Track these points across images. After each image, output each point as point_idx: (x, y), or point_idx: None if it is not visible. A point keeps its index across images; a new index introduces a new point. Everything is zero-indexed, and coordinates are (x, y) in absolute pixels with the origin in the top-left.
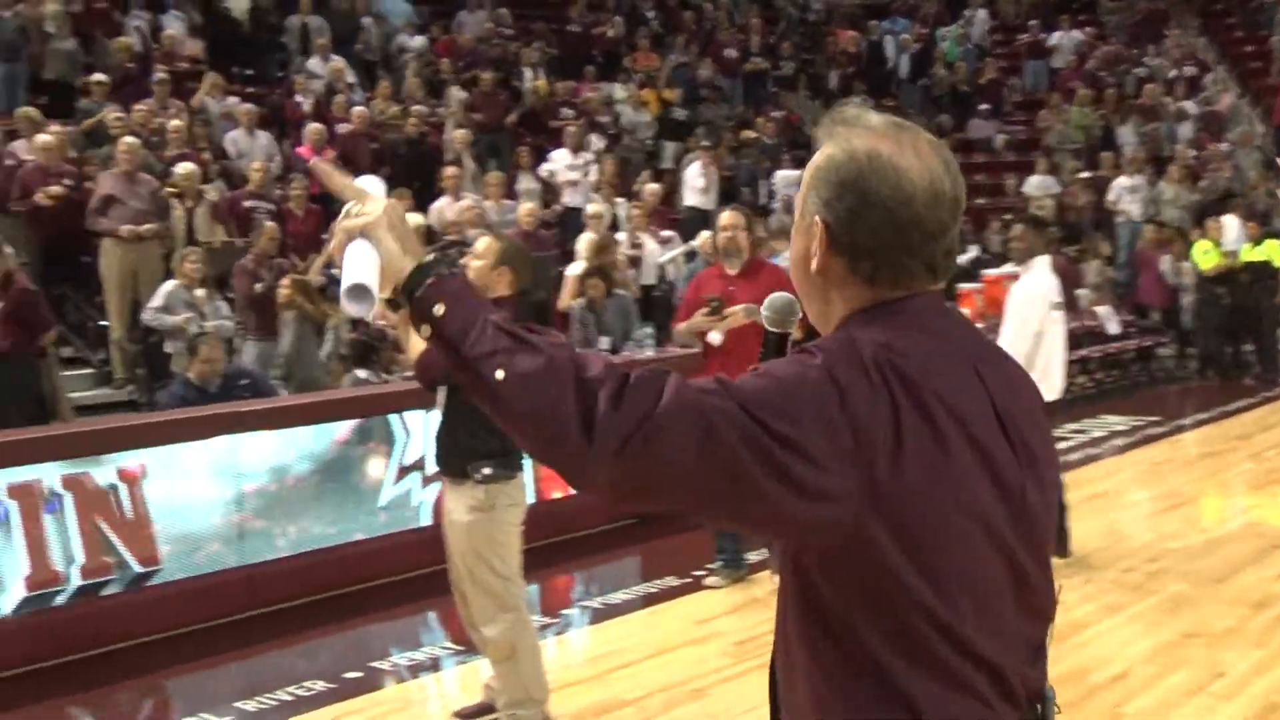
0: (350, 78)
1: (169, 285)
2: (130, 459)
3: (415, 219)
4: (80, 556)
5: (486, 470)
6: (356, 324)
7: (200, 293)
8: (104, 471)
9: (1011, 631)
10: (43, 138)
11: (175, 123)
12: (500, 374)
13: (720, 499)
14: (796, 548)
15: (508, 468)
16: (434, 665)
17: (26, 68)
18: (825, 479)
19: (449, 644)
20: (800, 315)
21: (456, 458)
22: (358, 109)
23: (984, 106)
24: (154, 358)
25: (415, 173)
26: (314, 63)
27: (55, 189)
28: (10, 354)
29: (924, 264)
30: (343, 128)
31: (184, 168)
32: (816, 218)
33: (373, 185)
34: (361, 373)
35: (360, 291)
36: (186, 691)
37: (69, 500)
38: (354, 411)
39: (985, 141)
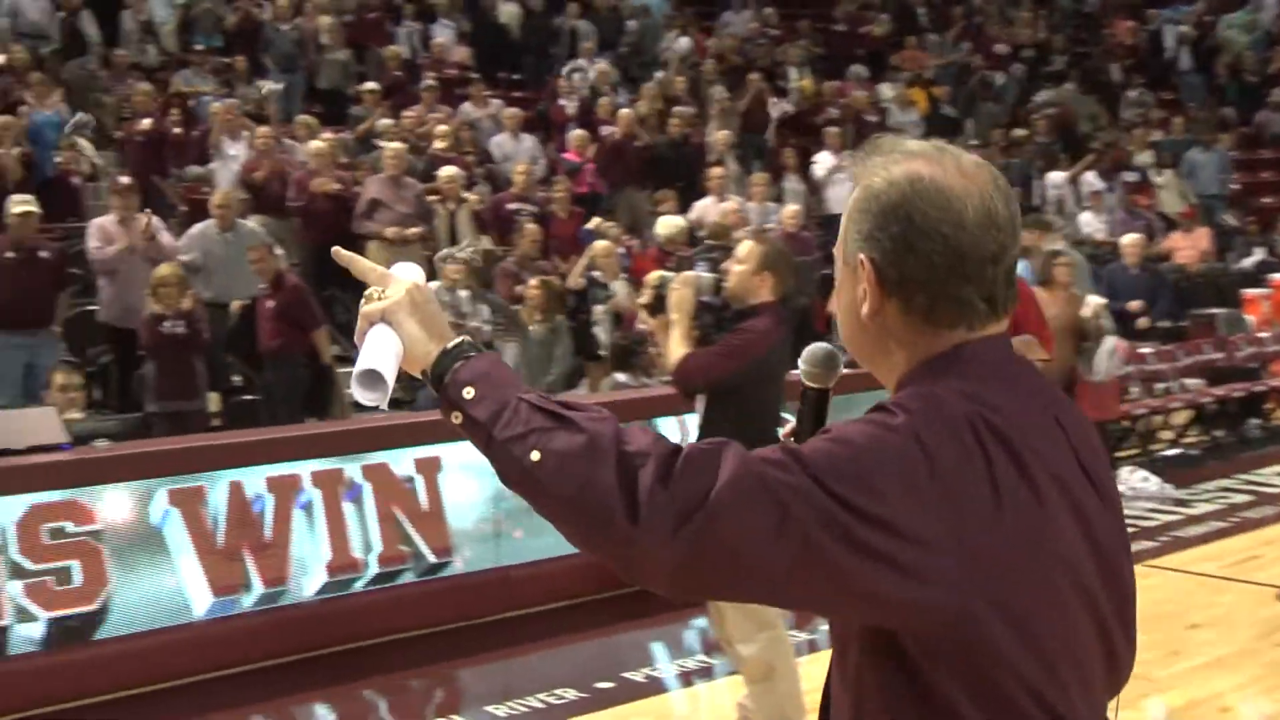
0: (615, 80)
1: (431, 287)
2: (419, 453)
3: (677, 221)
4: (378, 545)
5: None
6: (619, 325)
7: (463, 294)
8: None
9: (1099, 702)
10: (315, 144)
11: (442, 128)
12: (536, 455)
13: (797, 585)
14: (886, 628)
15: None
16: (686, 680)
17: (303, 78)
18: (919, 557)
19: (704, 658)
20: (842, 368)
21: None
22: (623, 111)
23: (1273, 98)
24: None
25: (678, 174)
26: (580, 65)
27: (328, 182)
28: (280, 352)
29: (983, 295)
30: (606, 130)
31: (446, 172)
32: (861, 256)
33: (407, 271)
34: (621, 376)
35: (371, 378)
36: (458, 686)
37: (368, 490)
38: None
39: (1275, 135)
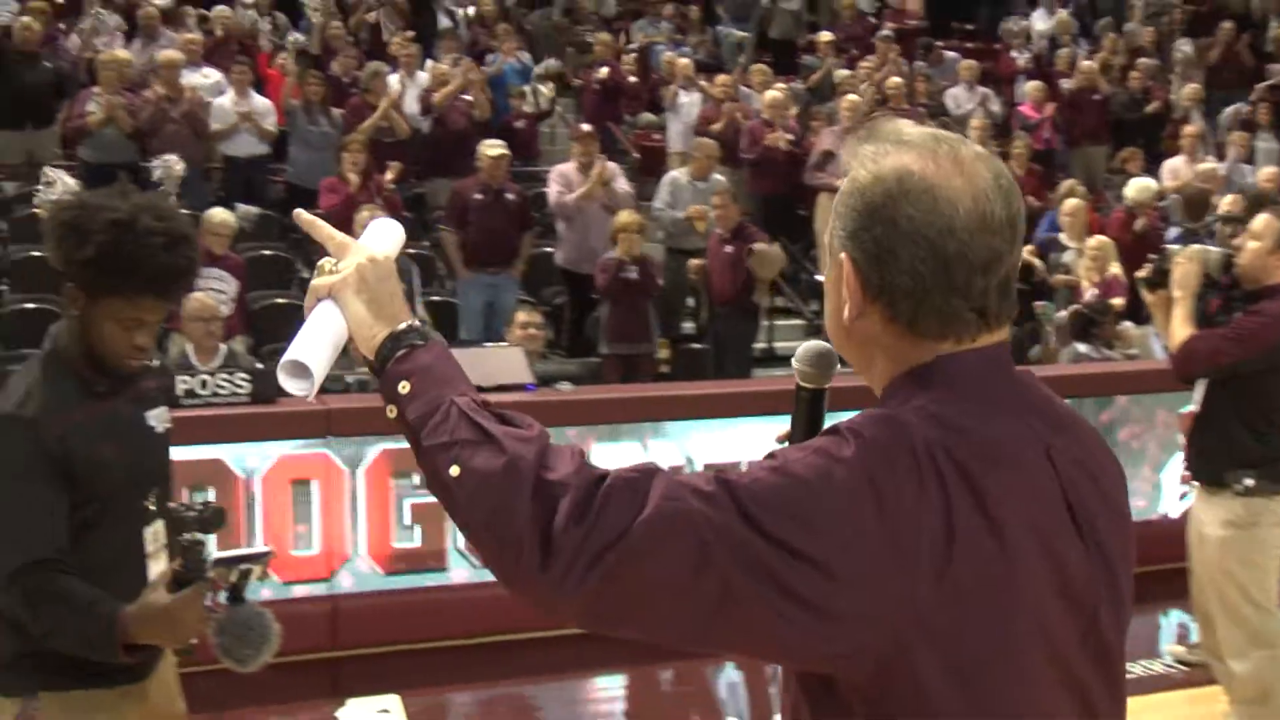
0: (1074, 30)
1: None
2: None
3: (1148, 183)
4: None
5: (1249, 481)
6: (1074, 296)
7: None
8: None
9: None
10: (771, 93)
11: (894, 79)
12: (455, 470)
13: (717, 628)
14: (821, 674)
15: (1274, 480)
16: (1153, 684)
17: (755, 28)
18: (848, 599)
19: (1173, 665)
20: (838, 369)
21: (1213, 463)
22: (1084, 63)
23: None
24: None
25: (1140, 131)
26: (1038, 15)
27: (781, 136)
28: (733, 302)
29: (972, 306)
30: (1065, 83)
31: None
32: (843, 255)
33: (384, 232)
34: (1082, 347)
35: (296, 368)
36: None
37: None
38: (1070, 391)
39: None
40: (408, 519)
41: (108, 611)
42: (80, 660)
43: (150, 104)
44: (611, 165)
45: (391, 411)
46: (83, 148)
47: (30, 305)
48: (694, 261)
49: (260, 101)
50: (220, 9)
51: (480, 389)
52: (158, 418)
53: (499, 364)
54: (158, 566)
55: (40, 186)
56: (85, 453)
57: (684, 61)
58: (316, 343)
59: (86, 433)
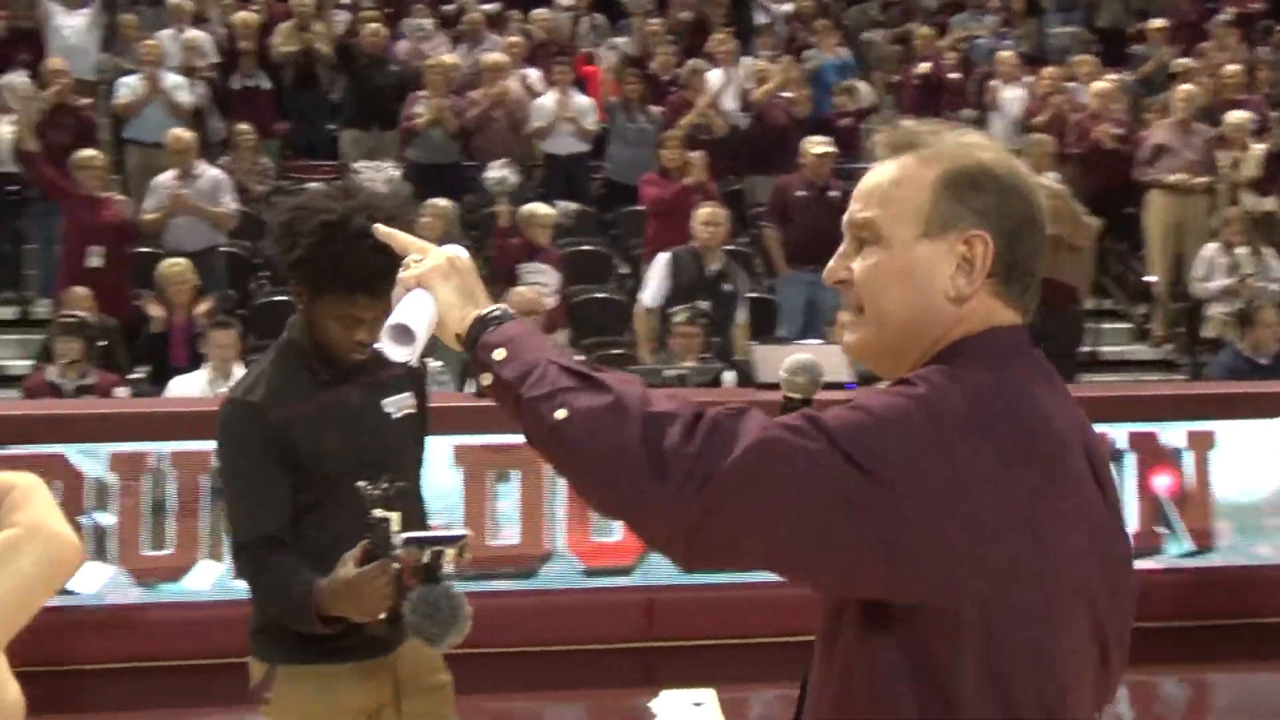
0: None
1: (1209, 250)
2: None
3: None
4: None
5: None
6: None
7: (1241, 251)
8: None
9: (1089, 709)
10: (1098, 84)
11: (1232, 67)
12: (561, 413)
13: (810, 549)
14: (883, 600)
15: None
16: None
17: (1082, 16)
18: (929, 529)
19: None
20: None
21: None
22: None
23: None
24: (1196, 318)
25: None
26: None
27: (1109, 128)
28: (1054, 303)
29: (1035, 284)
30: None
31: (1235, 116)
32: (978, 232)
33: (454, 250)
34: None
35: (401, 332)
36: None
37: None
38: None
39: None
40: None
41: (304, 584)
42: (314, 635)
43: (474, 105)
44: None
45: (486, 379)
46: (411, 149)
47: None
48: None
49: (581, 100)
50: (540, 11)
51: None
52: (396, 404)
53: (828, 361)
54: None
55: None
56: (309, 438)
57: (1008, 55)
58: (415, 315)
59: (311, 419)
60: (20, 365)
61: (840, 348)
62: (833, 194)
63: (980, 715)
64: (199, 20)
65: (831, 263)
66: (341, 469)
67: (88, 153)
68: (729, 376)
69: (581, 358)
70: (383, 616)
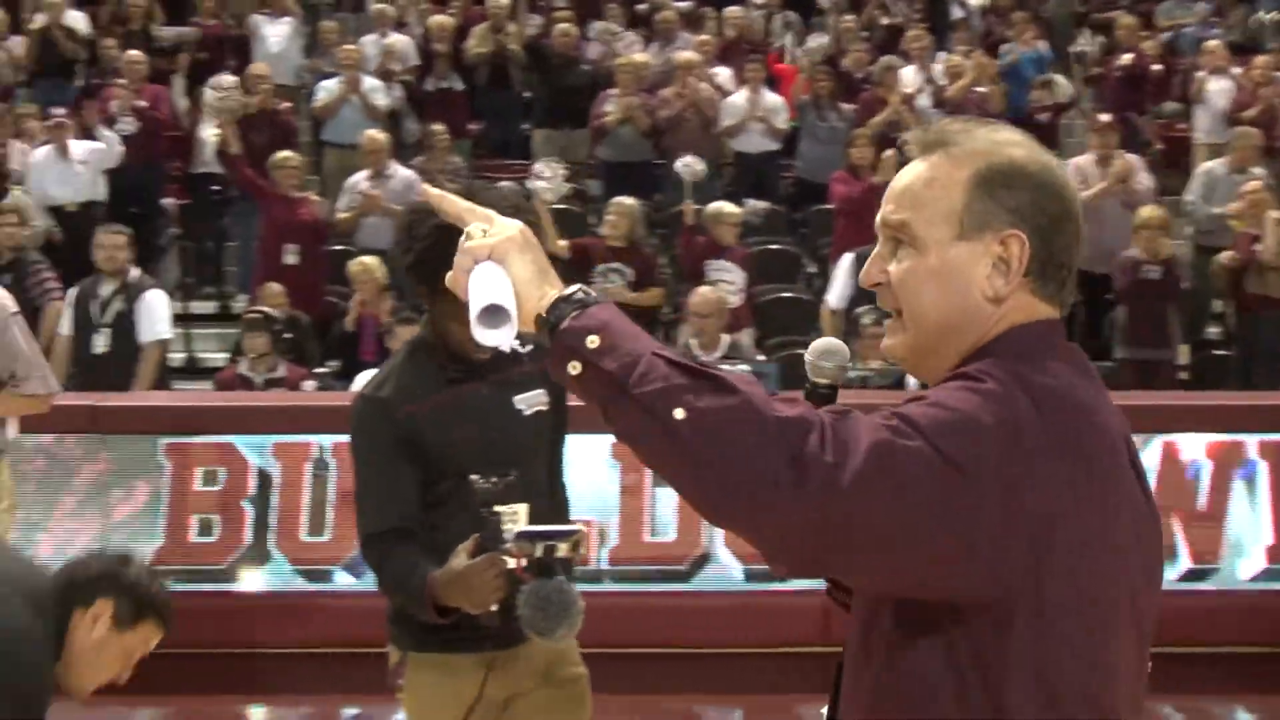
0: None
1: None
2: None
3: None
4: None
5: None
6: None
7: None
8: None
9: (1135, 713)
10: None
11: None
12: (680, 413)
13: (911, 550)
14: (946, 602)
15: None
16: None
17: None
18: (1004, 523)
19: None
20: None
21: None
22: None
23: None
24: None
25: None
26: None
27: None
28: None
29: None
30: None
31: None
32: (1014, 232)
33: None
34: None
35: (495, 314)
36: None
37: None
38: None
39: None
40: None
41: (423, 575)
42: (439, 625)
43: (665, 103)
44: (1131, 158)
45: (575, 368)
46: (601, 147)
47: None
48: (1225, 255)
49: (771, 98)
50: (733, 9)
51: None
52: (527, 401)
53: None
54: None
55: (536, 179)
56: (436, 434)
57: (1215, 44)
58: (500, 292)
59: (439, 415)
60: (218, 358)
61: None
62: None
63: (1024, 710)
64: (399, 25)
65: (867, 265)
66: (469, 464)
67: (285, 154)
68: (914, 380)
69: (695, 354)
70: (494, 609)
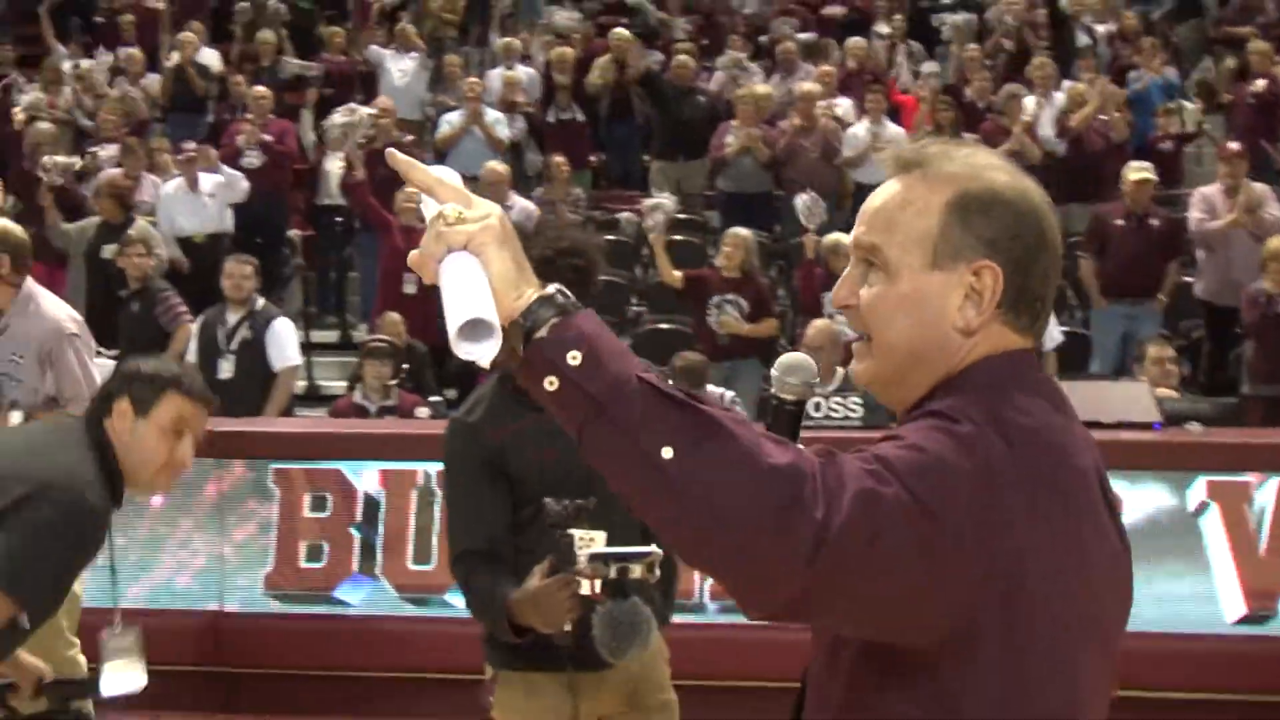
0: None
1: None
2: None
3: None
4: None
5: None
6: None
7: None
8: None
9: None
10: None
11: None
12: (668, 452)
13: (892, 600)
14: (913, 637)
15: None
16: None
17: None
18: (959, 561)
19: None
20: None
21: None
22: None
23: None
24: None
25: None
26: None
27: None
28: None
29: (1046, 311)
30: None
31: None
32: (986, 263)
33: (448, 176)
34: None
35: (479, 329)
36: None
37: None
38: None
39: None
40: None
41: (500, 594)
42: (535, 645)
43: (786, 135)
44: (1260, 188)
45: (551, 384)
46: (721, 178)
47: (664, 325)
48: None
49: (894, 130)
50: (855, 40)
51: (1100, 424)
52: None
53: (1123, 399)
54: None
55: (645, 214)
56: (521, 458)
57: None
58: (480, 300)
59: (524, 440)
60: (338, 386)
61: (1145, 385)
62: (1154, 222)
63: None
64: (523, 58)
65: (837, 286)
66: (547, 488)
67: (407, 188)
68: None
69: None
70: (567, 629)
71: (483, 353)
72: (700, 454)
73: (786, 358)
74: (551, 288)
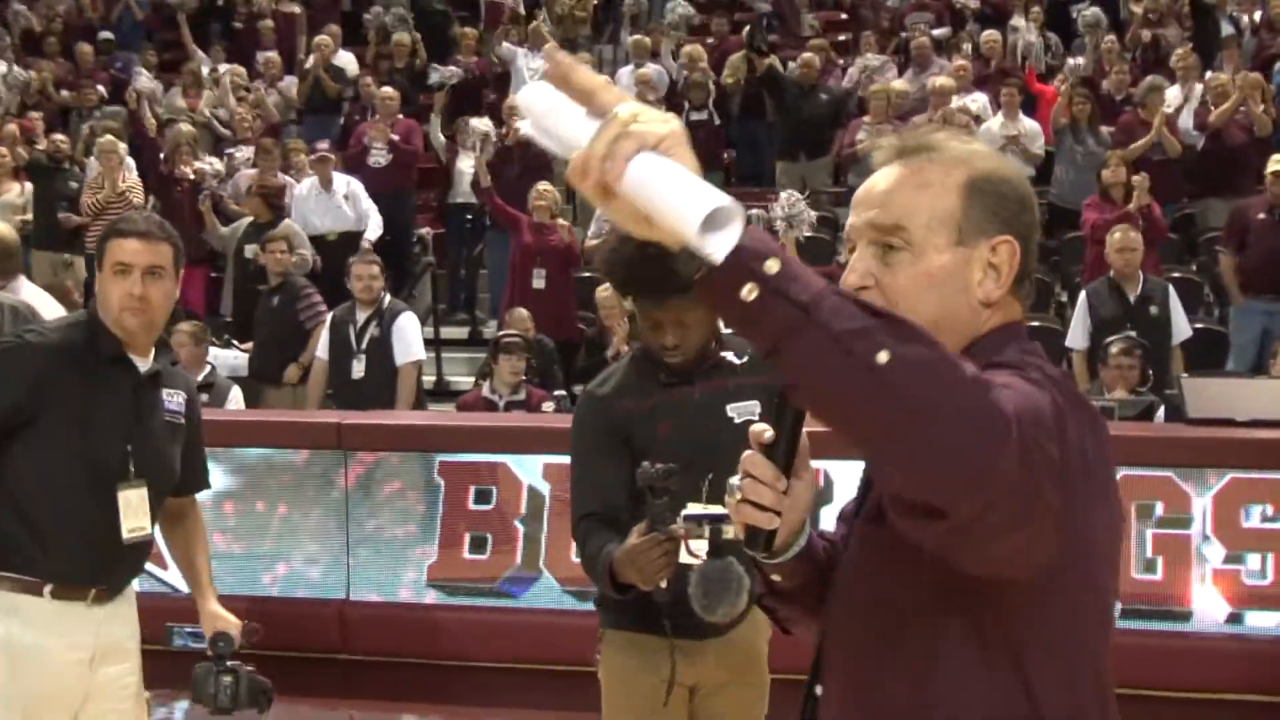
0: None
1: None
2: None
3: None
4: None
5: None
6: None
7: None
8: None
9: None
10: None
11: None
12: (884, 355)
13: (1033, 506)
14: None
15: None
16: None
17: None
18: (1064, 502)
19: None
20: None
21: None
22: None
23: None
24: None
25: None
26: None
27: None
28: None
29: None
30: None
31: None
32: (1006, 238)
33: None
34: None
35: (718, 217)
36: None
37: None
38: None
39: None
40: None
41: (607, 552)
42: (640, 607)
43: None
44: None
45: (750, 293)
46: (853, 174)
47: None
48: None
49: (1029, 124)
50: (990, 33)
51: (1232, 423)
52: (739, 410)
53: (1259, 396)
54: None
55: (779, 212)
56: (646, 431)
57: None
58: (708, 188)
59: (651, 414)
60: (466, 381)
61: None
62: None
63: (1049, 693)
64: (653, 56)
65: (847, 271)
66: (674, 461)
67: (541, 185)
68: (1162, 411)
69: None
70: (663, 585)
71: (726, 242)
72: (915, 357)
73: None
74: (728, 197)
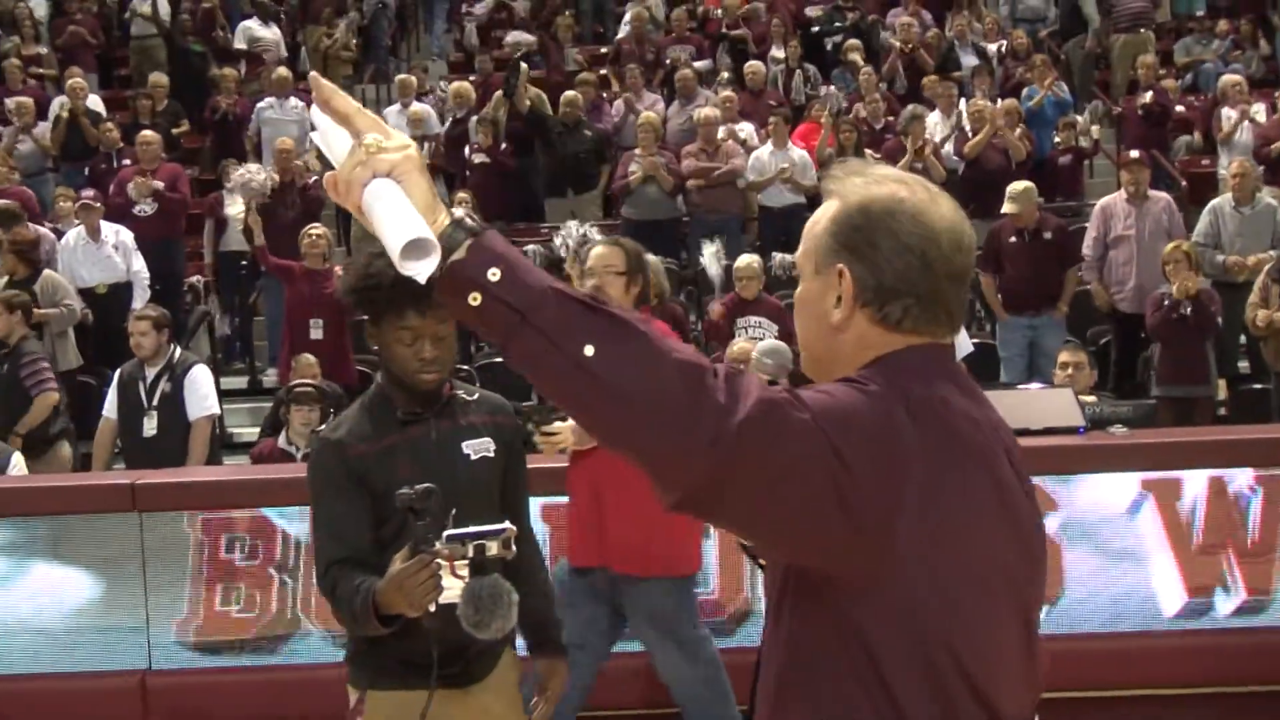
0: None
1: None
2: None
3: None
4: None
5: None
6: None
7: None
8: None
9: (1025, 700)
10: None
11: None
12: (590, 349)
13: (784, 508)
14: (821, 572)
15: None
16: None
17: None
18: (872, 508)
19: None
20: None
21: None
22: None
23: None
24: None
25: None
26: None
27: None
28: None
29: (945, 310)
30: None
31: None
32: (841, 266)
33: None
34: None
35: (419, 247)
36: None
37: None
38: None
39: None
40: None
41: (366, 588)
42: (402, 663)
43: (689, 159)
44: (1160, 195)
45: (475, 299)
46: (626, 206)
47: None
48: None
49: (798, 154)
50: (753, 64)
51: (1028, 431)
52: (474, 448)
53: (1047, 405)
54: (449, 580)
55: (559, 240)
56: (384, 472)
57: (1235, 79)
58: (412, 219)
59: (387, 455)
60: (250, 432)
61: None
62: (1046, 235)
63: (908, 690)
64: (420, 95)
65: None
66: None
67: (314, 230)
68: None
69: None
70: (432, 610)
71: (424, 269)
72: (617, 349)
73: (765, 343)
74: (460, 211)
